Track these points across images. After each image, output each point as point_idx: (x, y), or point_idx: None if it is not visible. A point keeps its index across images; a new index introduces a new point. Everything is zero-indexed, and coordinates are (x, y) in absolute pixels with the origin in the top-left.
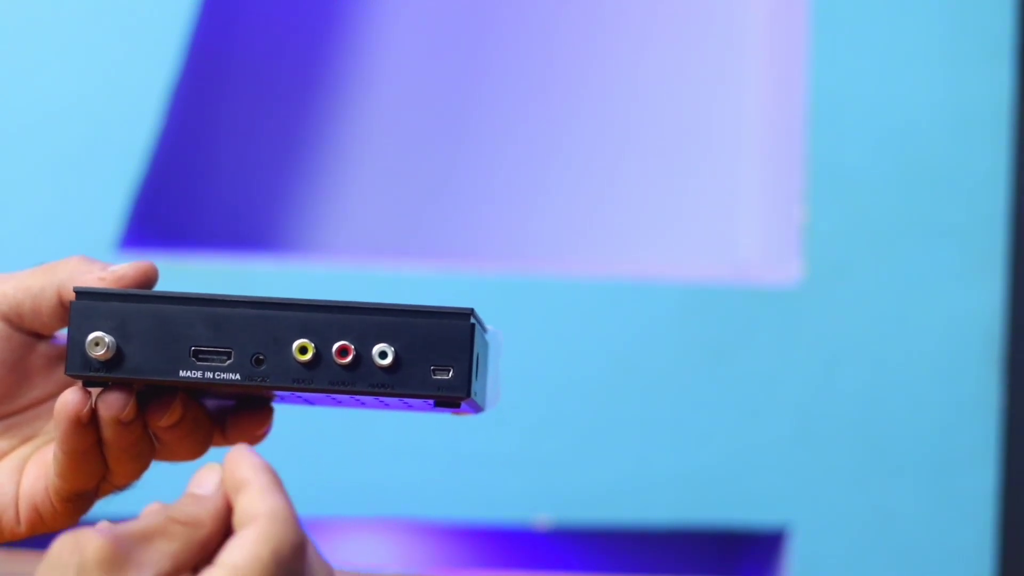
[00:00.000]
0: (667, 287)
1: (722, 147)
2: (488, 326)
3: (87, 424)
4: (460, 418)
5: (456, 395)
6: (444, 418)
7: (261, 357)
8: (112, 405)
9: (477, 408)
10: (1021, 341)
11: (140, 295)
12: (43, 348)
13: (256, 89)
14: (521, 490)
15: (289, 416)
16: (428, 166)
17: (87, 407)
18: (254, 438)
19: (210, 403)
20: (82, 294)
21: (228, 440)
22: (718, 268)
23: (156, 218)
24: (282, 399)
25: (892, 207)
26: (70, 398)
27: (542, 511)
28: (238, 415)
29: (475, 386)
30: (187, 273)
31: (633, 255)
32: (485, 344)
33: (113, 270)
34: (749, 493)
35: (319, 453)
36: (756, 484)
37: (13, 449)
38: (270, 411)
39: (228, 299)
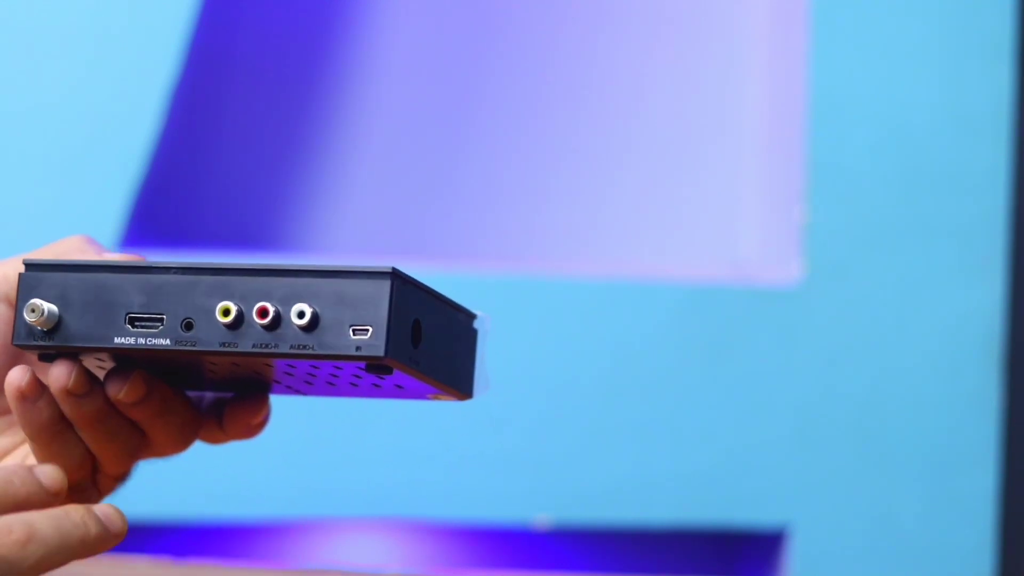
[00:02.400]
0: (667, 287)
1: (722, 147)
2: (476, 312)
3: (35, 400)
4: (459, 418)
5: (375, 355)
6: (443, 418)
7: (191, 322)
8: (58, 377)
9: (454, 393)
10: (1021, 341)
11: (80, 265)
12: None
13: (256, 89)
14: (521, 490)
15: (289, 417)
16: (429, 166)
17: (26, 380)
18: (251, 428)
19: (209, 396)
20: (29, 265)
21: (227, 434)
22: (718, 268)
23: (156, 218)
24: (274, 389)
25: (892, 207)
26: (12, 375)
27: (542, 511)
28: (233, 406)
29: (411, 353)
30: None
31: (633, 255)
32: (451, 322)
33: (105, 257)
34: (749, 493)
35: (319, 453)
36: (756, 484)
37: (16, 447)
38: (265, 399)
39: (160, 266)
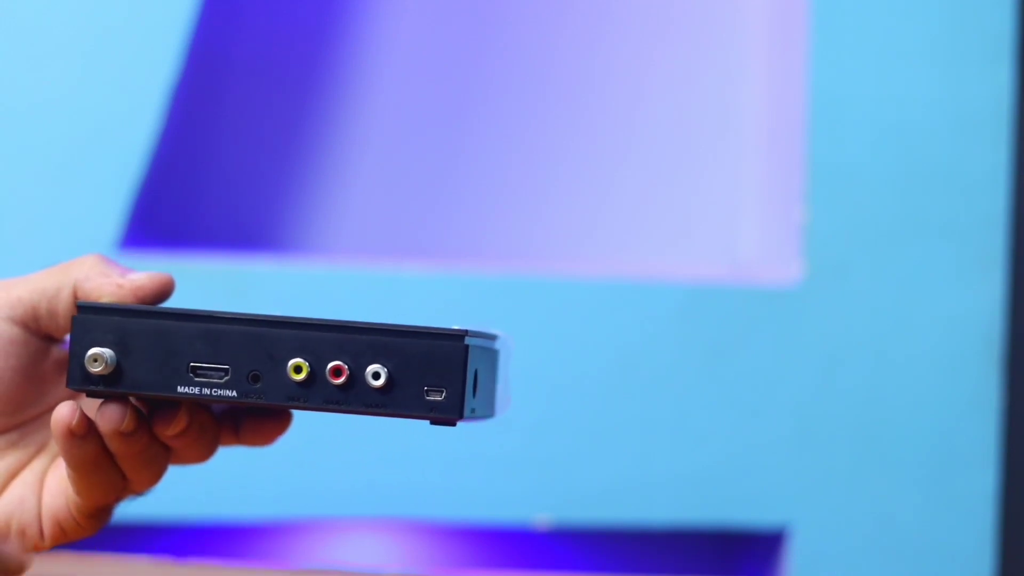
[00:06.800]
0: (667, 287)
1: (722, 147)
2: (497, 332)
3: (84, 436)
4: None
5: (448, 416)
6: None
7: (257, 374)
8: (110, 419)
9: (483, 418)
10: (1021, 341)
11: (141, 311)
12: (55, 354)
13: (256, 89)
14: (521, 490)
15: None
16: (428, 166)
17: (75, 419)
18: (268, 441)
19: (220, 405)
20: (84, 309)
21: (241, 441)
22: (718, 268)
23: (156, 218)
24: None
25: (892, 207)
26: (60, 412)
27: (542, 511)
28: (258, 420)
29: (472, 403)
30: (187, 273)
31: (633, 255)
32: (489, 355)
33: (131, 279)
34: (749, 493)
35: (319, 453)
36: (756, 484)
37: (30, 460)
38: (289, 417)
39: (226, 316)
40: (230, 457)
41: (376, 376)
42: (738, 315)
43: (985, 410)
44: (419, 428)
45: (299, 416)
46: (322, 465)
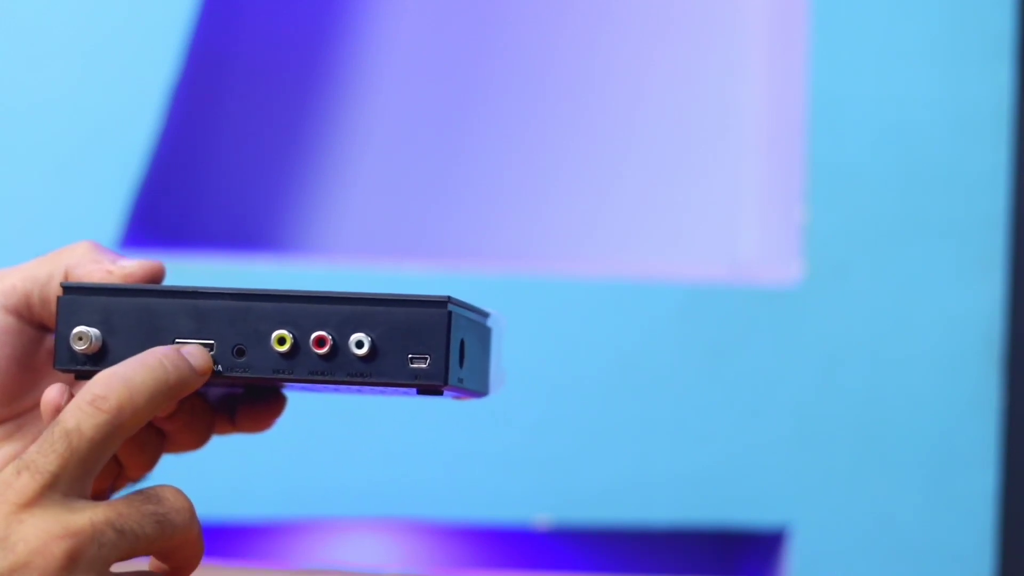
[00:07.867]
0: (667, 287)
1: (722, 147)
2: (489, 310)
3: None
4: (460, 417)
5: (434, 383)
6: (444, 417)
7: (242, 348)
8: None
9: (476, 393)
10: (1021, 341)
11: (124, 289)
12: (49, 343)
13: (256, 89)
14: (521, 490)
15: (289, 417)
16: (428, 166)
17: (64, 400)
18: (265, 426)
19: (215, 391)
20: (68, 289)
21: (237, 428)
22: (718, 268)
23: (156, 218)
24: (288, 387)
25: (892, 207)
26: (49, 393)
27: (542, 511)
28: (252, 404)
29: (459, 373)
30: (187, 273)
31: (633, 255)
32: (479, 329)
33: (122, 265)
34: (749, 493)
35: (319, 453)
36: (756, 484)
37: (20, 453)
38: (283, 400)
39: (209, 291)
40: (230, 457)
41: (359, 345)
42: (738, 315)
43: (985, 410)
44: (419, 426)
45: (299, 416)
46: (322, 465)
